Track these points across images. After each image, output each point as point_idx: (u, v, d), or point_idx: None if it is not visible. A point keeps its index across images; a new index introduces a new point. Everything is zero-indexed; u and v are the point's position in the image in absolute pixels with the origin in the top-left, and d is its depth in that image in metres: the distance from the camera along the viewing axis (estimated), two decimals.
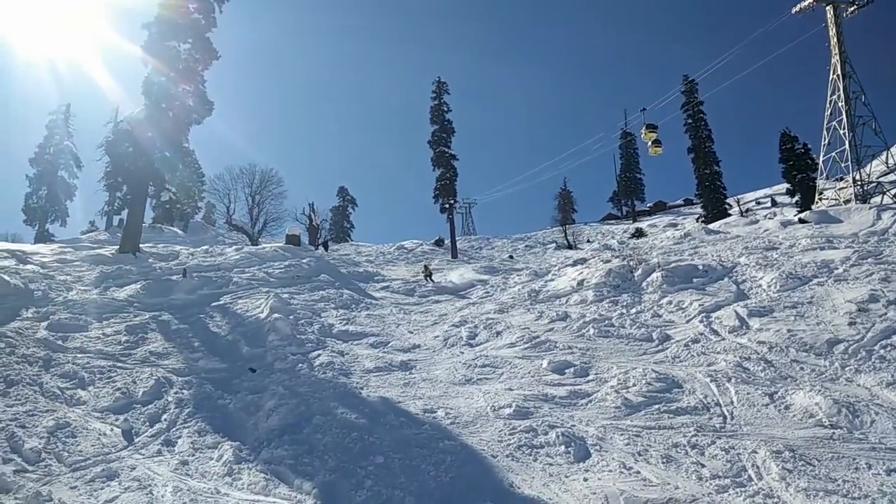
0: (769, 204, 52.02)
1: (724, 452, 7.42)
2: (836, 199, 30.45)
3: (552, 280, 19.77)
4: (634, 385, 9.78)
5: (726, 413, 8.74)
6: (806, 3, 31.91)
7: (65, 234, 43.61)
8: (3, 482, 6.12)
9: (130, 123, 22.85)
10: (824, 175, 32.17)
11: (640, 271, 17.41)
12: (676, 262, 17.96)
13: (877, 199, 29.05)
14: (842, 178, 31.41)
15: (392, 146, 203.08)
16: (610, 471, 7.09)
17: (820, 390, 9.00)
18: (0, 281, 13.00)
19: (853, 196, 29.29)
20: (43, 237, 41.29)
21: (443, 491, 6.67)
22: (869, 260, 15.19)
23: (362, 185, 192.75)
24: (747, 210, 46.11)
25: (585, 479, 6.90)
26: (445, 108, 44.51)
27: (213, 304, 15.86)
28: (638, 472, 6.99)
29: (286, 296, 16.99)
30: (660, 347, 12.18)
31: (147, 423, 8.34)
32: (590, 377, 10.66)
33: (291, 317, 14.65)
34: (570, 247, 42.83)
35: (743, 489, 6.51)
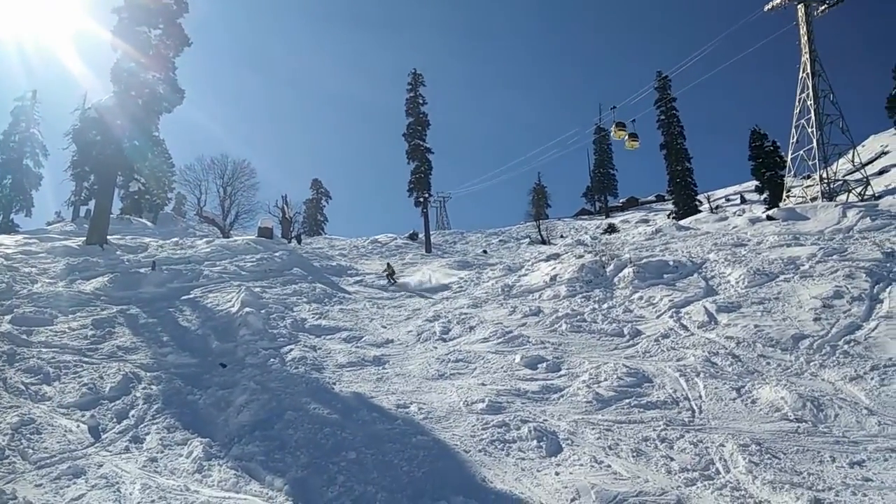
0: (738, 201, 52.98)
1: (692, 446, 7.55)
2: (803, 197, 31.15)
3: (525, 275, 19.85)
4: (606, 380, 9.89)
5: (695, 407, 8.89)
6: (778, 1, 32.46)
7: (30, 224, 42.65)
8: None
9: (98, 111, 22.34)
10: (792, 173, 32.88)
11: (612, 267, 17.58)
12: (648, 257, 18.16)
13: (843, 197, 29.82)
14: (809, 176, 32.12)
15: (367, 138, 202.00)
16: (581, 465, 7.16)
17: (786, 385, 9.21)
18: None
19: (820, 194, 29.99)
20: (7, 228, 40.22)
21: (415, 486, 6.67)
22: (834, 257, 15.53)
23: (336, 177, 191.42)
24: (717, 207, 46.90)
25: (557, 474, 6.95)
26: (421, 101, 44.31)
27: (183, 297, 15.63)
28: (609, 466, 7.08)
29: (258, 290, 16.79)
30: (631, 342, 12.33)
31: (114, 420, 8.18)
32: (562, 372, 10.74)
33: (263, 311, 14.50)
34: (543, 242, 43.06)
35: (711, 482, 6.63)
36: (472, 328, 14.12)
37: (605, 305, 15.05)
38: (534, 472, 7.09)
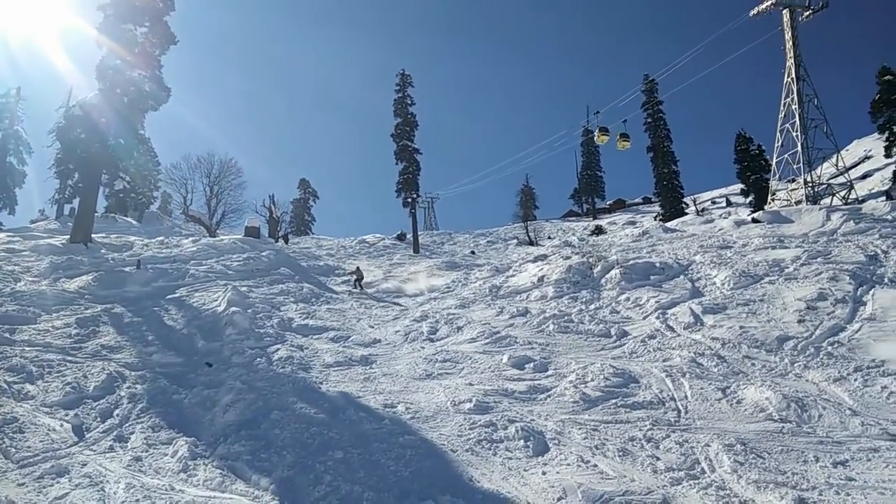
0: (724, 203, 53.35)
1: (678, 446, 7.60)
2: (787, 200, 31.38)
3: (513, 276, 19.90)
4: (592, 380, 9.93)
5: (681, 407, 8.95)
6: (763, 6, 32.72)
7: (13, 222, 41.98)
8: None
9: (83, 108, 22.07)
10: (777, 176, 33.10)
11: (599, 268, 17.66)
12: (634, 259, 18.26)
13: (826, 201, 30.08)
14: (794, 180, 32.36)
15: (355, 139, 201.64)
16: (568, 464, 7.18)
17: (770, 385, 9.30)
18: None
19: (804, 197, 30.23)
20: None
21: (402, 485, 6.65)
22: (818, 259, 15.71)
23: (324, 177, 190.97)
24: (703, 209, 47.26)
25: (544, 473, 6.97)
26: (409, 101, 44.22)
27: (169, 296, 15.49)
28: (595, 466, 7.10)
29: (245, 289, 16.69)
30: (617, 343, 12.40)
31: (98, 419, 8.08)
32: (549, 372, 10.78)
33: (250, 310, 14.42)
34: (531, 243, 43.17)
35: (696, 481, 6.67)
36: (459, 328, 14.13)
37: (593, 306, 15.12)
38: (521, 471, 7.09)
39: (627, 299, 15.20)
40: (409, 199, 42.78)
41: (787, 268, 15.49)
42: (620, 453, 7.47)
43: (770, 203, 32.32)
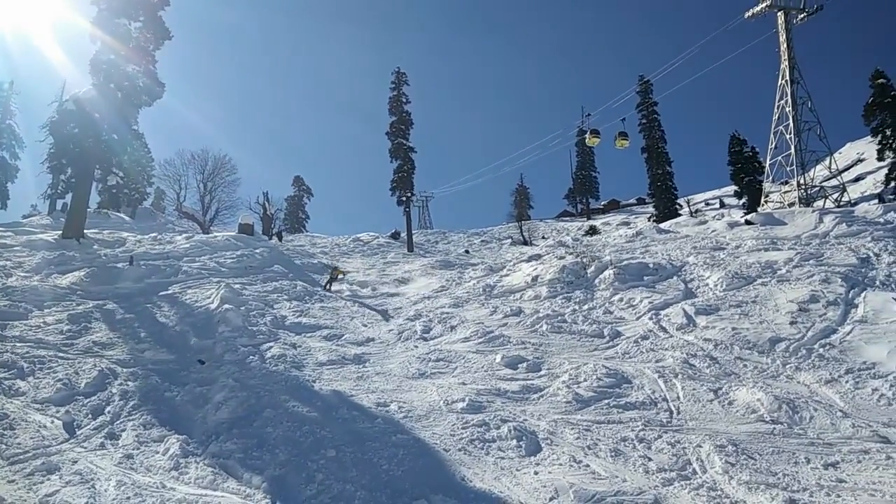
0: (718, 205, 53.55)
1: (670, 446, 7.63)
2: (781, 202, 31.53)
3: (507, 275, 19.91)
4: (585, 380, 9.95)
5: (673, 408, 8.98)
6: (758, 8, 32.84)
7: (5, 217, 41.88)
8: None
9: (76, 103, 21.93)
10: (770, 178, 33.23)
11: (592, 268, 17.69)
12: (628, 260, 18.31)
13: (819, 203, 30.22)
14: (787, 182, 32.50)
15: (350, 136, 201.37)
16: (560, 464, 7.20)
17: (762, 387, 9.34)
18: None
19: (797, 199, 30.37)
20: None
21: (395, 485, 6.64)
22: (811, 261, 15.78)
23: (319, 175, 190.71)
24: (697, 211, 47.33)
25: (536, 473, 6.98)
26: (404, 100, 44.13)
27: (161, 293, 15.42)
28: (587, 466, 7.12)
29: (238, 286, 16.65)
30: (610, 343, 12.43)
31: (90, 416, 8.03)
32: (542, 372, 10.80)
33: (243, 308, 14.37)
34: (525, 243, 43.24)
35: (688, 482, 6.70)
36: (453, 328, 14.14)
37: (586, 307, 15.14)
38: (513, 471, 7.10)
39: (621, 300, 15.24)
40: (404, 198, 42.71)
41: (780, 270, 15.56)
42: (612, 453, 7.49)
43: (763, 205, 32.47)
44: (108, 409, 8.31)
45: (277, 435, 7.76)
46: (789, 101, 31.52)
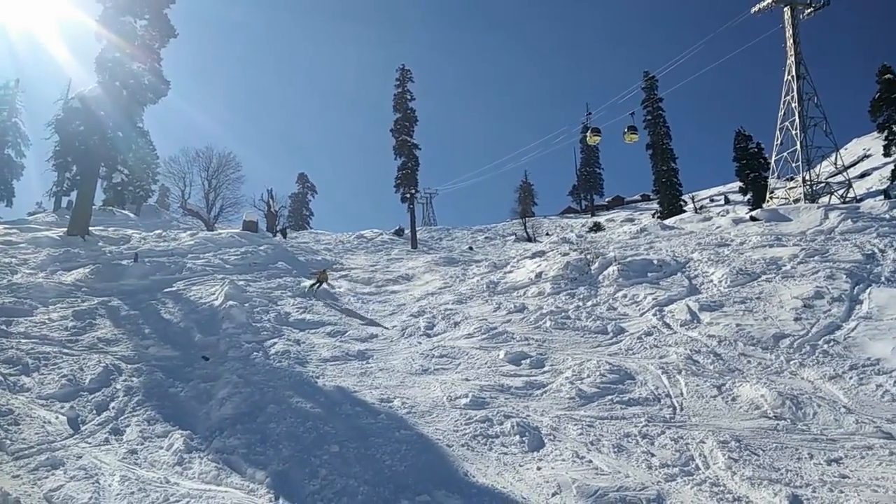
0: (723, 201, 53.40)
1: (673, 442, 7.64)
2: (786, 199, 31.43)
3: (511, 272, 19.90)
4: (588, 376, 9.96)
5: (676, 404, 8.98)
6: (765, 3, 32.72)
7: (10, 214, 41.92)
8: None
9: (82, 101, 21.98)
10: (776, 174, 33.15)
11: (596, 265, 17.67)
12: (632, 256, 18.29)
13: (825, 199, 30.14)
14: (792, 178, 32.41)
15: (354, 133, 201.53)
16: (563, 460, 7.21)
17: (766, 383, 9.33)
18: None
19: (802, 195, 30.27)
20: None
21: (398, 480, 6.66)
22: (815, 258, 15.73)
23: (323, 172, 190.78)
24: (701, 207, 47.23)
25: (539, 468, 7.00)
26: (409, 97, 44.01)
27: (166, 290, 15.46)
28: (590, 461, 7.13)
29: (242, 283, 16.68)
30: (614, 340, 12.42)
31: (94, 411, 8.07)
32: (545, 368, 10.80)
33: (247, 304, 14.39)
34: (529, 239, 43.13)
35: (690, 477, 6.71)
36: (456, 324, 14.16)
37: (590, 303, 15.13)
38: (516, 466, 7.12)
39: (625, 296, 15.22)
40: (408, 195, 42.63)
41: (785, 266, 15.51)
42: (615, 449, 7.50)
43: (768, 201, 32.34)
44: (113, 404, 8.35)
45: (281, 430, 7.79)
46: (795, 96, 31.41)
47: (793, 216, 22.17)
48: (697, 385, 9.56)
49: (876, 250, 15.83)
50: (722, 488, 6.44)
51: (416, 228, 42.48)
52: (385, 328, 14.10)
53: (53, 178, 40.86)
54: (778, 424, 8.12)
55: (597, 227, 42.20)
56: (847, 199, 30.13)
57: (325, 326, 14.07)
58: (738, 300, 13.70)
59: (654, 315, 13.55)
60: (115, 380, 9.12)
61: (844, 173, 32.69)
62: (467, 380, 10.19)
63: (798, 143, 31.00)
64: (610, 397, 9.26)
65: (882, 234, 17.46)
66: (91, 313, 12.24)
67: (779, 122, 32.30)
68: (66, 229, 21.99)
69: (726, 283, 14.97)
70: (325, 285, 18.03)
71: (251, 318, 13.45)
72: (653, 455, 7.33)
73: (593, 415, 8.73)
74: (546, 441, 7.80)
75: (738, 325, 12.18)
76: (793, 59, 31.75)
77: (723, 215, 29.00)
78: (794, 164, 31.56)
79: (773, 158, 33.08)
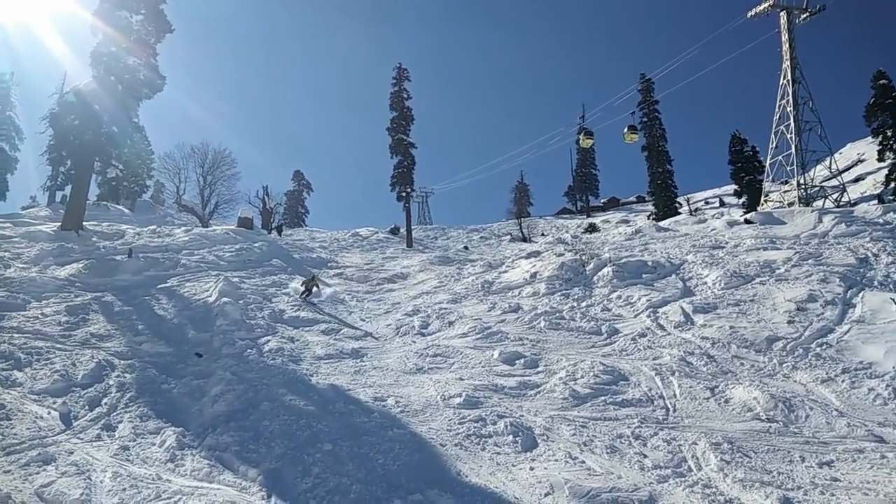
0: (717, 204, 53.46)
1: (665, 444, 7.66)
2: (780, 202, 31.52)
3: (506, 272, 19.91)
4: (582, 377, 9.97)
5: (669, 406, 9.00)
6: (761, 7, 32.79)
7: (4, 208, 41.55)
8: None
9: (77, 95, 21.87)
10: (770, 178, 33.22)
11: (591, 266, 17.68)
12: (627, 257, 18.31)
13: (819, 203, 30.20)
14: (787, 182, 32.50)
15: (350, 131, 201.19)
16: (556, 460, 7.22)
17: (758, 385, 9.37)
18: None
19: (797, 199, 30.36)
20: None
21: (391, 479, 6.66)
22: (809, 261, 15.79)
23: (318, 169, 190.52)
24: (696, 209, 47.29)
25: (532, 468, 7.00)
26: (405, 96, 43.95)
27: (160, 286, 15.40)
28: (583, 462, 7.14)
29: (236, 280, 16.63)
30: (608, 341, 12.43)
31: (86, 407, 8.04)
32: (539, 368, 10.82)
33: (241, 301, 14.36)
34: (524, 239, 43.16)
35: (683, 479, 6.73)
36: (451, 323, 14.16)
37: (584, 304, 15.14)
38: (509, 466, 7.13)
39: (619, 297, 15.24)
40: (404, 194, 42.59)
41: (779, 269, 15.57)
42: (608, 450, 7.52)
43: (763, 204, 32.44)
44: (105, 400, 8.32)
45: (274, 428, 7.78)
46: (790, 100, 31.51)
47: (787, 219, 22.25)
48: (690, 387, 9.59)
49: (869, 254, 15.90)
50: (714, 490, 6.46)
51: (412, 227, 42.49)
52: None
53: (48, 173, 40.64)
54: (770, 427, 8.15)
55: (592, 228, 42.27)
56: (841, 204, 30.18)
57: (319, 324, 14.04)
58: (732, 302, 13.74)
59: (648, 316, 13.57)
60: (107, 376, 9.09)
61: (839, 177, 32.78)
62: (461, 379, 10.19)
63: (793, 146, 31.10)
64: (603, 398, 9.27)
65: (875, 238, 17.54)
66: (84, 309, 12.19)
67: (774, 125, 32.41)
68: (60, 224, 21.88)
69: (720, 285, 15.01)
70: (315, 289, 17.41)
71: (245, 315, 13.42)
72: (645, 456, 7.34)
73: (586, 415, 8.74)
74: (539, 441, 7.81)
75: (731, 327, 12.21)
76: (788, 63, 31.83)
77: (717, 218, 29.13)
78: (788, 168, 31.66)
79: (768, 162, 33.19)
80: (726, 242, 19.75)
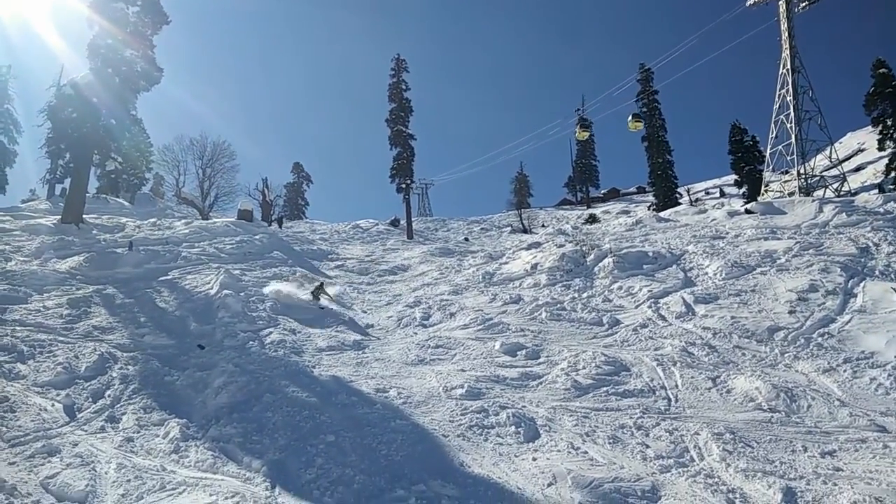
0: (718, 194, 53.56)
1: (668, 434, 7.67)
2: (781, 192, 31.54)
3: (506, 263, 19.92)
4: (584, 368, 9.98)
5: (671, 396, 9.02)
6: None
7: (4, 202, 41.51)
8: None
9: (75, 87, 21.76)
10: (771, 167, 33.23)
11: (592, 256, 17.68)
12: (628, 248, 18.30)
13: (819, 193, 30.23)
14: (787, 171, 32.51)
15: (350, 123, 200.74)
16: (558, 451, 7.23)
17: (760, 375, 9.37)
18: None
19: (797, 189, 30.36)
20: None
21: (393, 469, 6.67)
22: (810, 251, 15.79)
23: (318, 161, 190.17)
24: (697, 200, 47.30)
25: (534, 459, 7.02)
26: (404, 87, 43.82)
27: (161, 278, 15.39)
28: (585, 453, 7.16)
29: (237, 272, 16.62)
30: (609, 331, 12.45)
31: (90, 399, 8.06)
32: (541, 359, 10.83)
33: (242, 293, 14.35)
34: (525, 231, 43.18)
35: (685, 469, 6.74)
36: (452, 315, 14.16)
37: (585, 295, 15.15)
38: (511, 457, 7.14)
39: (620, 288, 15.24)
40: (404, 185, 42.54)
41: (779, 259, 15.57)
42: (610, 440, 7.54)
43: (763, 194, 32.46)
44: (109, 392, 8.34)
45: (277, 420, 7.80)
46: (790, 90, 31.48)
47: (787, 209, 22.21)
48: (692, 377, 9.60)
49: (870, 244, 15.89)
50: (716, 480, 6.48)
51: (412, 219, 42.47)
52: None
53: (46, 166, 40.51)
54: (772, 417, 8.16)
55: (592, 219, 42.23)
56: (842, 193, 30.19)
57: (323, 318, 14.03)
58: (733, 293, 13.75)
59: (650, 307, 13.59)
60: (110, 368, 9.11)
61: (839, 167, 32.80)
62: (463, 370, 10.20)
63: (793, 136, 31.10)
64: (605, 389, 9.28)
65: (876, 227, 17.52)
66: (86, 301, 12.19)
67: (774, 115, 32.40)
68: (60, 217, 21.85)
69: (721, 275, 15.01)
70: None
71: (247, 307, 13.41)
72: (648, 447, 7.36)
73: (588, 406, 8.75)
74: (541, 432, 7.82)
75: (732, 317, 12.22)
76: (788, 52, 31.79)
77: (718, 208, 29.06)
78: (788, 158, 31.68)
79: (768, 152, 33.20)
80: (727, 233, 19.73)
